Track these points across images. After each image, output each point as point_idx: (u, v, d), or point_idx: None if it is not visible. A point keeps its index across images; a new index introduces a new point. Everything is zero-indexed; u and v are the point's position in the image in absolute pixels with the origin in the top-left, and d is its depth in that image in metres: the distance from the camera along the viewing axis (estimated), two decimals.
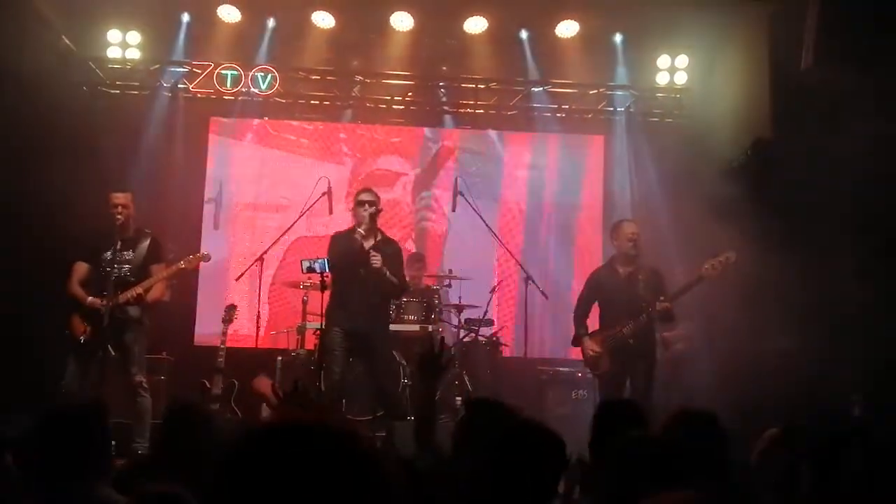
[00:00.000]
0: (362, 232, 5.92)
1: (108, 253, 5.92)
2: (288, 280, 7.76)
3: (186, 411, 3.13)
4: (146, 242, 6.08)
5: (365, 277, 5.92)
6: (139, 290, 5.90)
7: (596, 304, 6.37)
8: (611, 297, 6.22)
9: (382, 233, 6.23)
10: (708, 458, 2.53)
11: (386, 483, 1.14)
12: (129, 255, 5.98)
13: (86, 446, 2.54)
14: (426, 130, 9.01)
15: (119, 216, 5.97)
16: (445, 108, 8.82)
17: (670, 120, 8.64)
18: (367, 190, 6.21)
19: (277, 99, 8.51)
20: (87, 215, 6.58)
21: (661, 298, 5.93)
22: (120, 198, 6.03)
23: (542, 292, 6.89)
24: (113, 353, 5.82)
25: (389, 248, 6.13)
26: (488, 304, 7.32)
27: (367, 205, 5.96)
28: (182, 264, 6.26)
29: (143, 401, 5.85)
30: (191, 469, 2.45)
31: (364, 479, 1.12)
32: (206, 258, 6.43)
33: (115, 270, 5.88)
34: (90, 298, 5.85)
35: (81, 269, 6.01)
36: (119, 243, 5.93)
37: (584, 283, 6.59)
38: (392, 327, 6.68)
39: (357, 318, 5.94)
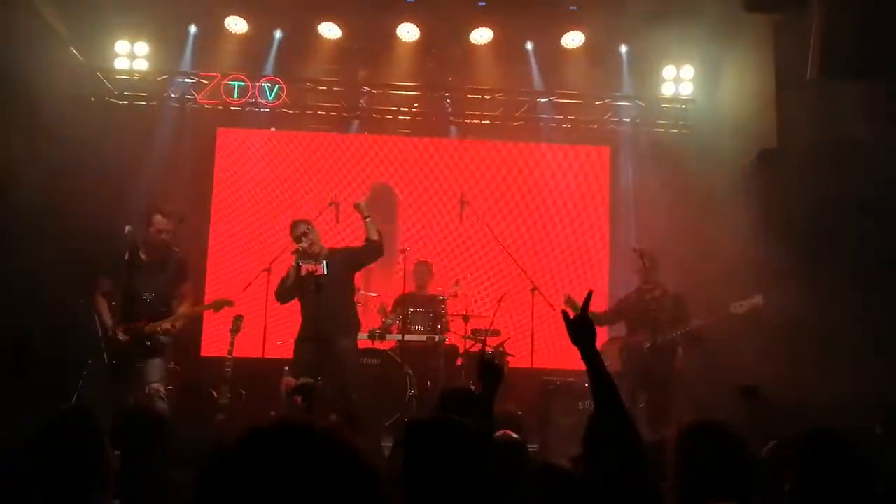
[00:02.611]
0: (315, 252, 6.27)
1: (135, 275, 5.93)
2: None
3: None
4: (172, 262, 6.08)
5: (320, 287, 6.07)
6: (168, 325, 5.89)
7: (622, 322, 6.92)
8: (634, 316, 6.68)
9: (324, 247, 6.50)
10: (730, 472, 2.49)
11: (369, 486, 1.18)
12: (157, 277, 5.97)
13: (79, 456, 2.42)
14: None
15: (155, 239, 5.96)
16: (451, 118, 8.85)
17: (675, 130, 8.65)
18: (303, 220, 6.48)
19: (284, 110, 8.55)
20: (96, 226, 6.59)
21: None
22: (164, 223, 5.96)
23: (549, 303, 6.90)
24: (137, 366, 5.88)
25: (338, 253, 6.41)
26: (494, 314, 7.30)
27: (311, 232, 6.30)
28: (209, 306, 6.29)
29: (160, 407, 5.88)
30: None
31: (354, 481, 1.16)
32: (231, 304, 6.30)
33: (145, 297, 5.90)
34: (121, 334, 5.86)
35: (105, 285, 6.01)
36: (144, 266, 5.95)
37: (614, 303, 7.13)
38: (399, 338, 6.69)
39: (321, 329, 6.07)
